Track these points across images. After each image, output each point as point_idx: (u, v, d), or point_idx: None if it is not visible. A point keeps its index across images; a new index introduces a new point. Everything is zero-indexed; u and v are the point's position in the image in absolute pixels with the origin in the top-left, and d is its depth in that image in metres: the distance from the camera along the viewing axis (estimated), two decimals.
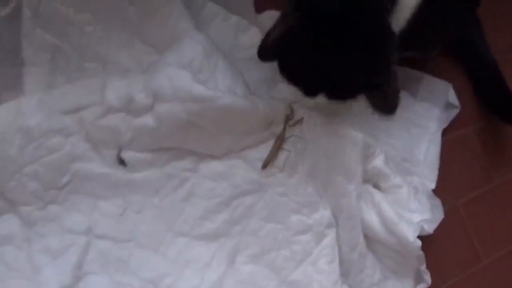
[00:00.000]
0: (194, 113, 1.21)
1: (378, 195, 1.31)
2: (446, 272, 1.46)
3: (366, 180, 1.32)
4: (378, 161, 1.33)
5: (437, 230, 1.38)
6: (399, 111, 1.41)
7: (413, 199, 1.33)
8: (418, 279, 1.36)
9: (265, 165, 1.30)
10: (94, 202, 1.25)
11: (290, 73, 1.12)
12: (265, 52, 1.10)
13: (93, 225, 1.23)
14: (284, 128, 1.29)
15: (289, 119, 1.29)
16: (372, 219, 1.30)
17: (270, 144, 1.31)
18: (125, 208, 1.26)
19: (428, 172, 1.48)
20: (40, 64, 1.27)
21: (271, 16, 1.40)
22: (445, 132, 1.56)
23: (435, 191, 1.47)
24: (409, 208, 1.32)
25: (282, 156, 1.32)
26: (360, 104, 1.28)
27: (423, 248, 1.31)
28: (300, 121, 1.30)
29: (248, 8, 1.46)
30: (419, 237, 1.28)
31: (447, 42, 1.47)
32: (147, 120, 1.22)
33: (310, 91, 1.13)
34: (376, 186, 1.35)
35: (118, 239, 1.24)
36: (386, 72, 1.04)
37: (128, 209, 1.26)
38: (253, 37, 1.39)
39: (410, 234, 1.24)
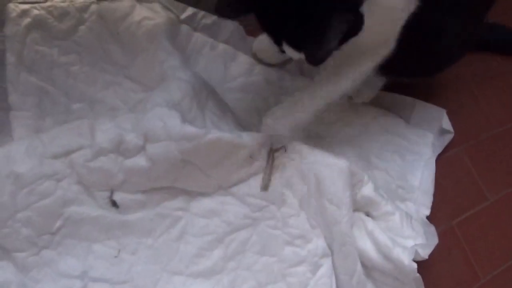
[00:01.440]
0: (185, 151, 1.23)
1: (370, 223, 1.32)
2: None
3: (357, 209, 1.33)
4: (367, 189, 1.34)
5: (434, 252, 1.37)
6: (392, 137, 1.44)
7: (406, 226, 1.34)
8: None
9: (265, 187, 1.33)
10: (88, 245, 1.25)
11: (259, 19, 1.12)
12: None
13: (88, 268, 1.23)
14: (270, 157, 1.32)
15: (273, 148, 1.31)
16: (367, 246, 1.30)
17: (258, 178, 1.34)
18: (120, 250, 1.26)
19: (423, 198, 1.49)
20: (27, 108, 1.28)
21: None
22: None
23: (431, 214, 1.48)
24: (403, 235, 1.33)
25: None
26: (353, 128, 1.30)
27: (421, 270, 1.30)
28: (283, 148, 1.33)
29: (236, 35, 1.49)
30: (415, 261, 1.27)
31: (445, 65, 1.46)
32: (139, 160, 1.23)
33: (275, 38, 1.13)
34: (368, 214, 1.36)
35: (114, 281, 1.24)
36: (328, 22, 1.02)
37: (123, 250, 1.27)
38: (241, 66, 1.41)
39: (405, 258, 1.24)
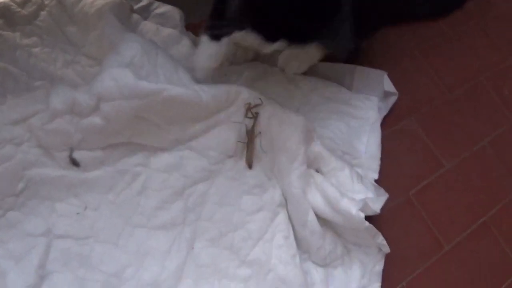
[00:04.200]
0: (140, 107, 1.27)
1: (320, 178, 1.36)
2: (410, 265, 1.47)
3: (308, 165, 1.37)
4: (317, 145, 1.38)
5: (394, 224, 1.44)
6: (336, 104, 1.49)
7: (356, 181, 1.38)
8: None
9: (250, 165, 1.38)
10: (51, 204, 1.30)
11: (254, 19, 1.16)
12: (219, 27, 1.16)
13: (52, 226, 1.28)
14: (253, 129, 1.36)
15: (252, 112, 1.35)
16: (317, 200, 1.34)
17: (216, 131, 1.37)
18: (82, 207, 1.31)
19: (370, 162, 1.52)
20: None
21: None
22: (387, 125, 1.60)
23: (386, 185, 1.48)
24: (353, 190, 1.36)
25: (233, 144, 1.37)
26: (295, 101, 1.34)
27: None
28: (256, 114, 1.36)
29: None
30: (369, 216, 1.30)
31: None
32: (95, 119, 1.28)
33: (272, 35, 1.17)
34: (319, 170, 1.40)
35: (77, 237, 1.29)
36: (335, 22, 1.09)
37: (85, 207, 1.31)
38: (184, 48, 1.48)
39: (352, 208, 1.27)
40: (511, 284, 1.48)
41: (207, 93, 1.30)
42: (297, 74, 1.57)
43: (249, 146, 1.36)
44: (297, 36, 1.15)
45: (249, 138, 1.35)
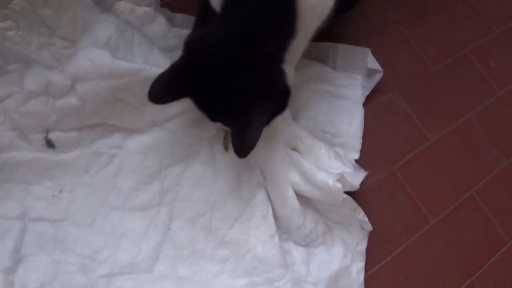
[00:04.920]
0: (117, 87, 1.27)
1: (296, 156, 1.34)
2: (396, 238, 1.46)
3: (284, 144, 1.37)
4: (292, 124, 1.38)
5: (378, 200, 1.43)
6: (319, 84, 1.48)
7: (334, 158, 1.37)
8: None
9: (226, 147, 1.37)
10: (27, 187, 1.29)
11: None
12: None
13: (28, 209, 1.27)
14: None
15: None
16: (295, 177, 1.33)
17: (192, 113, 1.35)
18: (57, 189, 1.30)
19: (351, 142, 1.50)
20: None
21: None
22: (370, 99, 1.57)
23: (369, 160, 1.48)
24: (331, 166, 1.35)
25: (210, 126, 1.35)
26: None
27: (369, 218, 1.35)
28: None
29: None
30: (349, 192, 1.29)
31: None
32: (70, 100, 1.27)
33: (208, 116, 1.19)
34: (295, 149, 1.39)
35: (53, 219, 1.28)
36: (248, 121, 1.09)
37: (61, 190, 1.30)
38: (159, 27, 1.43)
39: (329, 179, 1.26)
40: (499, 258, 1.47)
41: None
42: None
43: (227, 131, 1.34)
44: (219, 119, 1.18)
45: None
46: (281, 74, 1.12)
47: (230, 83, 1.08)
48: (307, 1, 1.06)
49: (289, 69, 1.13)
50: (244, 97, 1.09)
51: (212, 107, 1.15)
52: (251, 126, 1.06)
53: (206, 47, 1.09)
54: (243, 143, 1.08)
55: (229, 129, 1.23)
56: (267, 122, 1.15)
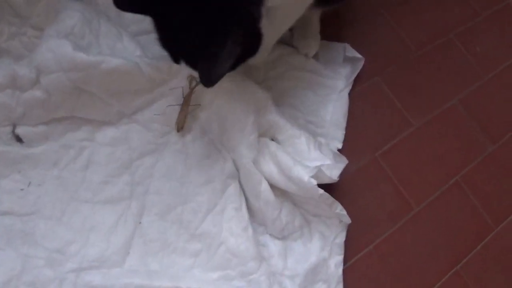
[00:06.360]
0: (79, 80, 1.25)
1: (274, 146, 1.32)
2: (379, 226, 1.43)
3: (262, 134, 1.35)
4: (271, 113, 1.34)
5: (360, 187, 1.41)
6: (303, 73, 1.45)
7: (314, 149, 1.34)
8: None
9: (180, 128, 1.34)
10: None
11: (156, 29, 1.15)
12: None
13: None
14: (190, 93, 1.31)
15: (192, 83, 1.31)
16: (271, 169, 1.31)
17: (161, 104, 1.33)
18: (26, 183, 1.29)
19: (334, 132, 1.49)
20: None
21: None
22: (353, 86, 1.55)
23: (351, 147, 1.46)
24: (309, 157, 1.33)
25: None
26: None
27: (350, 208, 1.32)
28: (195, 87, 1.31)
29: None
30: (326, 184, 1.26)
31: None
32: (36, 93, 1.26)
33: (171, 53, 1.17)
34: (274, 139, 1.37)
35: (21, 213, 1.27)
36: (222, 47, 1.03)
37: (29, 183, 1.29)
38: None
39: (304, 175, 1.23)
40: (485, 245, 1.45)
41: (148, 64, 1.27)
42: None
43: (182, 110, 1.32)
44: (187, 56, 1.14)
45: (184, 102, 1.31)
46: (259, 15, 1.07)
47: (204, 6, 1.03)
48: None
49: (266, 20, 1.09)
50: (219, 23, 1.04)
51: (178, 32, 1.09)
52: (224, 52, 1.01)
53: None
54: (212, 70, 1.02)
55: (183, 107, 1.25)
56: (234, 65, 1.12)
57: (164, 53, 1.20)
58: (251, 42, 1.12)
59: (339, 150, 1.45)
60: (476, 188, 1.50)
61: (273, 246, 1.33)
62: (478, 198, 1.49)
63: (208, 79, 1.03)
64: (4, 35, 1.39)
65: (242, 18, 1.05)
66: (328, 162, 1.31)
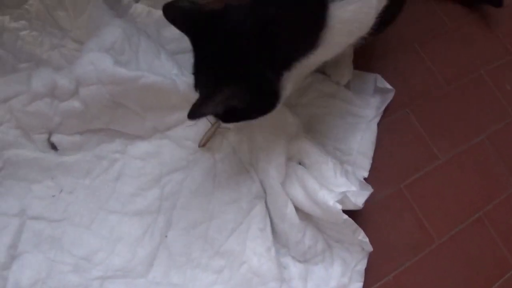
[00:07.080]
0: (117, 93, 1.28)
1: (301, 170, 1.33)
2: (399, 256, 1.43)
3: (290, 158, 1.36)
4: (301, 139, 1.36)
5: (383, 216, 1.41)
6: (334, 100, 1.51)
7: (340, 175, 1.35)
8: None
9: (202, 144, 1.36)
10: (27, 185, 1.31)
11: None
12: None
13: (27, 207, 1.29)
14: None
15: None
16: (297, 192, 1.32)
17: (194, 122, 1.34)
18: (58, 189, 1.32)
19: (361, 160, 1.49)
20: None
21: None
22: (382, 116, 1.56)
23: (377, 176, 1.46)
24: (336, 183, 1.33)
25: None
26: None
27: (373, 237, 1.32)
28: None
29: None
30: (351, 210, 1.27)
31: None
32: (73, 103, 1.29)
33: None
34: (302, 163, 1.37)
35: (51, 219, 1.30)
36: (214, 92, 1.07)
37: (61, 190, 1.32)
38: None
39: (330, 199, 1.24)
40: (505, 283, 1.43)
41: (184, 82, 1.30)
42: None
43: (210, 128, 1.34)
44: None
45: (215, 121, 1.34)
46: (278, 79, 1.10)
47: (229, 53, 1.07)
48: (341, 14, 1.04)
49: (288, 77, 1.11)
50: (229, 72, 1.07)
51: (201, 61, 1.13)
52: (213, 98, 1.05)
53: (232, 11, 1.07)
54: (198, 107, 1.05)
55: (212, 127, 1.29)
56: (251, 117, 1.16)
57: None
58: (263, 99, 1.14)
59: (365, 179, 1.45)
60: (498, 225, 1.49)
61: (294, 268, 1.34)
62: (499, 235, 1.49)
63: (191, 112, 1.05)
64: (45, 46, 1.44)
65: (249, 79, 1.08)
66: (354, 188, 1.32)
